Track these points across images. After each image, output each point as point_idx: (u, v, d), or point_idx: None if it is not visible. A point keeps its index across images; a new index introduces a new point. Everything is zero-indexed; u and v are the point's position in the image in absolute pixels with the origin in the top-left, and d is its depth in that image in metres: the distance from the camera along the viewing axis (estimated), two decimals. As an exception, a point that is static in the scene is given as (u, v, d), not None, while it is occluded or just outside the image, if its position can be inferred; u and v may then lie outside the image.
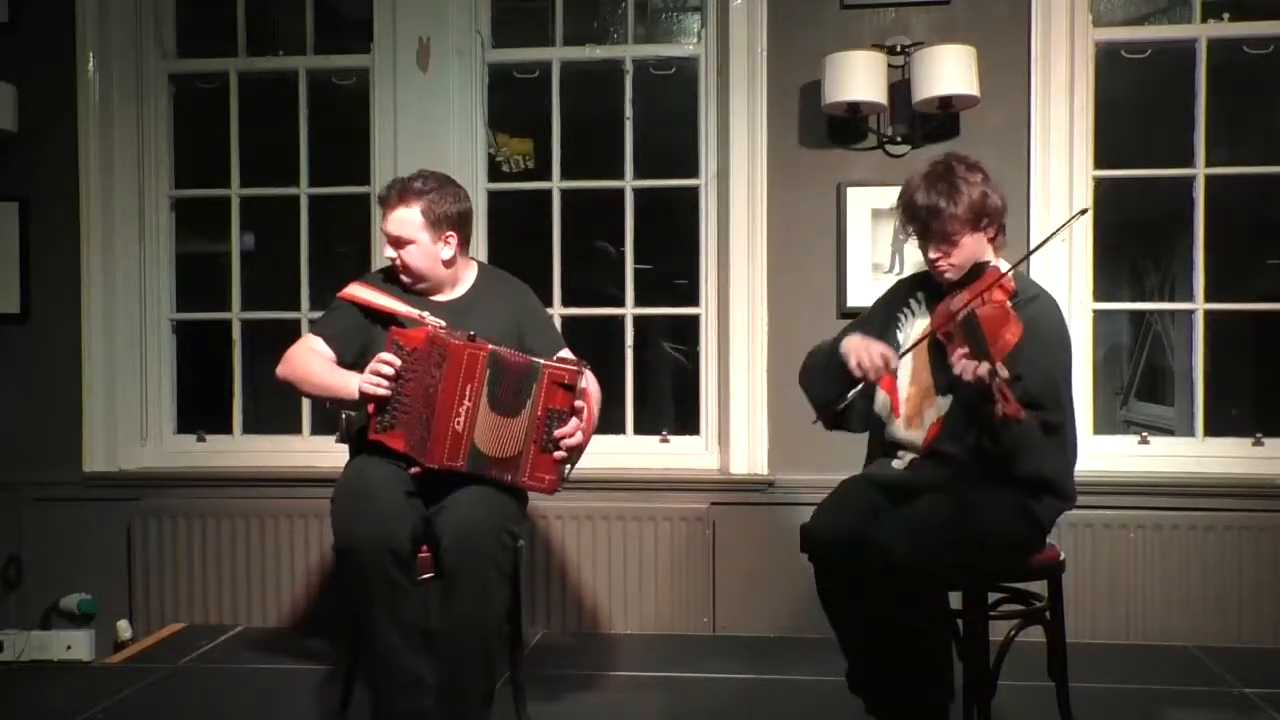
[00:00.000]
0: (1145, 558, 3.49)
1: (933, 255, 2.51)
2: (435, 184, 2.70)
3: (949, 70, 3.35)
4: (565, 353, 2.74)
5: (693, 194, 3.82)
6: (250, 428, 4.00)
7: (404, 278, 2.74)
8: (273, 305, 4.01)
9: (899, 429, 2.54)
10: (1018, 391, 2.17)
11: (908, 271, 3.47)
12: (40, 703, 3.17)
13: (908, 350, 2.50)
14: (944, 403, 2.46)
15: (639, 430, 3.85)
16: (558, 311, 3.81)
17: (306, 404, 3.88)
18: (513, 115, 4.00)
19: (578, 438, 2.54)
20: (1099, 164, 3.62)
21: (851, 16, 3.60)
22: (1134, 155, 3.79)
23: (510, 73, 3.90)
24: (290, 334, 3.81)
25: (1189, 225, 3.67)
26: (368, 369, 2.55)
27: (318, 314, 3.52)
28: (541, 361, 2.54)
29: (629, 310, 3.86)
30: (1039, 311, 2.45)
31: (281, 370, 2.72)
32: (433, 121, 3.76)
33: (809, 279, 3.62)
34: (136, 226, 3.92)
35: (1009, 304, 2.38)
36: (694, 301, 3.83)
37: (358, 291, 2.75)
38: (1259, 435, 3.61)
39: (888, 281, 3.35)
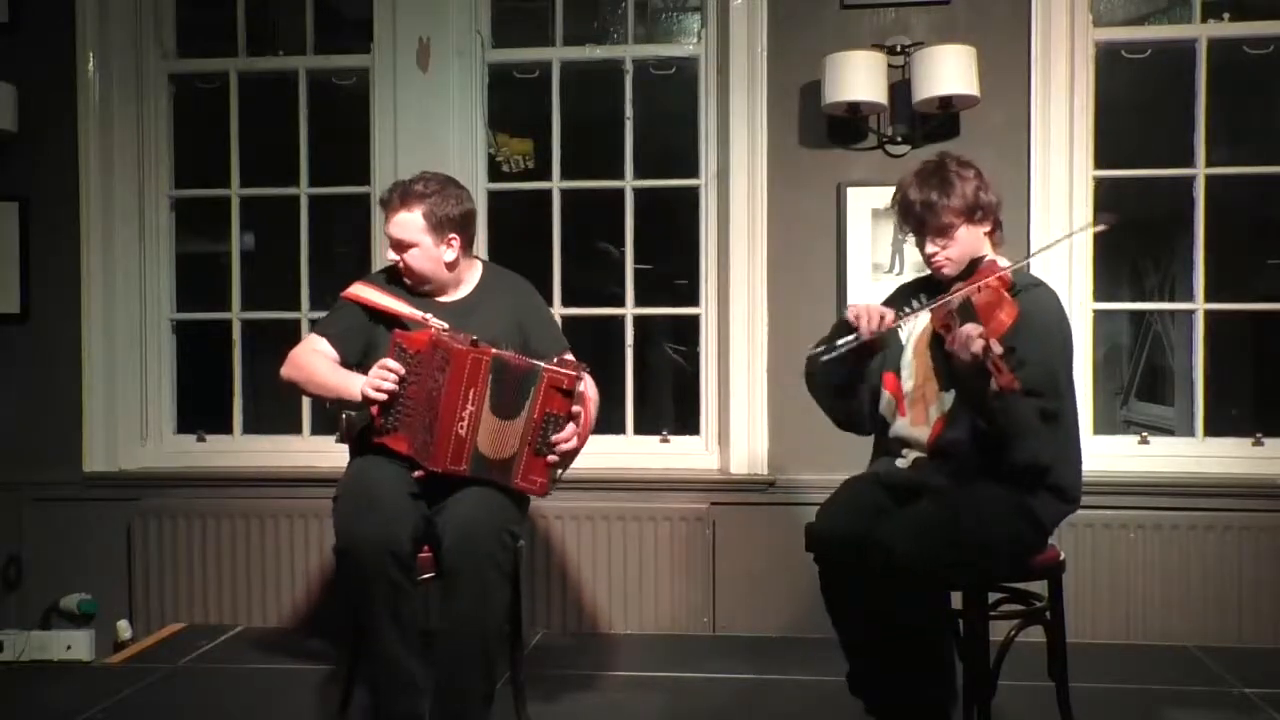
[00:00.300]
0: (1145, 558, 3.49)
1: (929, 250, 2.51)
2: (437, 186, 2.69)
3: (949, 70, 3.35)
4: (567, 354, 2.73)
5: (693, 194, 3.82)
6: (250, 428, 4.00)
7: (407, 280, 2.73)
8: (273, 305, 4.01)
9: (903, 426, 2.55)
10: (1011, 364, 2.15)
11: (908, 271, 3.48)
12: (40, 703, 3.16)
13: (911, 315, 2.49)
14: (947, 398, 2.46)
15: (639, 430, 3.85)
16: (558, 311, 3.80)
17: (306, 404, 3.88)
18: (513, 115, 3.99)
19: (573, 443, 2.53)
20: (1099, 164, 3.62)
21: (851, 16, 3.60)
22: (1134, 155, 3.79)
23: (510, 73, 3.90)
24: (290, 334, 3.81)
25: (1189, 225, 3.67)
26: (371, 372, 2.54)
27: (318, 314, 3.53)
28: (541, 365, 2.52)
29: (629, 310, 3.86)
30: (1037, 299, 2.45)
31: (286, 371, 2.72)
32: (433, 121, 3.76)
33: (809, 279, 3.62)
34: (136, 226, 3.92)
35: (1005, 291, 2.38)
36: (694, 301, 3.83)
37: (361, 291, 2.74)
38: (1259, 435, 3.61)
39: (888, 281, 3.37)
